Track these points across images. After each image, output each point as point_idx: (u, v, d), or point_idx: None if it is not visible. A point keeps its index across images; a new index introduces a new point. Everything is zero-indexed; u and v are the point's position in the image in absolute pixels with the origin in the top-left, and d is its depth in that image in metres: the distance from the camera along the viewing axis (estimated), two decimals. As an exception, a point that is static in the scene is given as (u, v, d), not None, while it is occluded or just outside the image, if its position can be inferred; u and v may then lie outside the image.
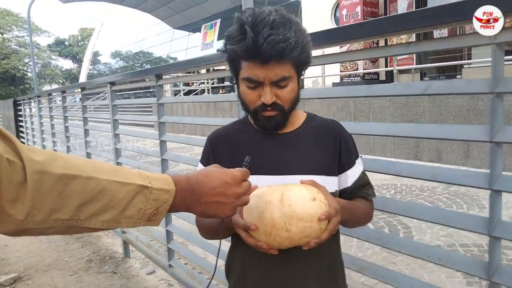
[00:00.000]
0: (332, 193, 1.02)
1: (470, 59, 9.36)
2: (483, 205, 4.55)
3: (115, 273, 3.32)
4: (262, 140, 1.07)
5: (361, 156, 1.18)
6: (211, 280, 0.87)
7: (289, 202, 0.80)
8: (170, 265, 2.72)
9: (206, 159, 1.13)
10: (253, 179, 1.01)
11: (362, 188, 1.11)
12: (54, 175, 0.58)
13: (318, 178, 1.01)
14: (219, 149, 1.11)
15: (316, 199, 0.82)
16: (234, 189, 0.80)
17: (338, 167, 1.08)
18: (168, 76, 2.77)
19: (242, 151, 1.04)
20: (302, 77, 1.04)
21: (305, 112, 1.14)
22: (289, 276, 1.02)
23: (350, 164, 1.09)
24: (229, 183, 0.79)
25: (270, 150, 1.05)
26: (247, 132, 1.10)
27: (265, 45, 0.87)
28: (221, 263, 1.18)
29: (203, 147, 1.17)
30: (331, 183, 1.05)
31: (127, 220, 0.67)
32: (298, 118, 1.11)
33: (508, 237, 1.07)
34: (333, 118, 1.16)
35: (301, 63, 0.98)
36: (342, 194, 1.10)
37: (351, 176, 1.09)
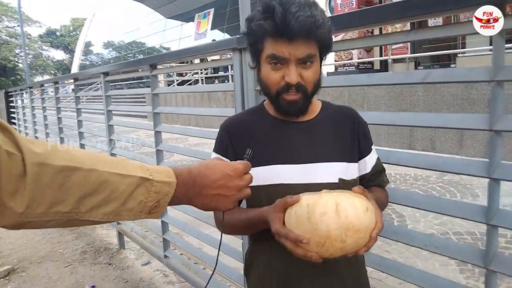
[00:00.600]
0: (354, 180, 1.03)
1: (464, 47, 9.36)
2: (476, 194, 4.59)
3: (110, 264, 3.31)
4: (283, 129, 1.04)
5: None
6: (212, 273, 0.86)
7: (346, 214, 0.78)
8: (165, 256, 2.72)
9: (223, 149, 1.08)
10: (277, 169, 1.00)
11: (378, 175, 1.12)
12: (55, 167, 0.56)
13: (342, 165, 1.02)
14: (237, 137, 1.07)
15: (368, 209, 0.81)
16: (235, 182, 0.79)
17: (358, 153, 1.07)
18: (162, 66, 2.73)
19: (263, 140, 1.03)
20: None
21: (319, 100, 1.12)
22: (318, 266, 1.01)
23: (368, 150, 1.09)
24: (230, 176, 0.78)
25: (292, 139, 1.03)
26: (264, 121, 1.07)
27: (293, 20, 0.87)
28: (220, 255, 1.17)
29: (216, 137, 1.12)
30: (353, 169, 1.05)
31: (127, 213, 0.66)
32: (315, 105, 1.09)
33: (506, 225, 1.07)
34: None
35: (325, 45, 0.96)
36: (361, 180, 1.09)
37: (369, 162, 1.09)
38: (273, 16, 0.88)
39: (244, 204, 1.17)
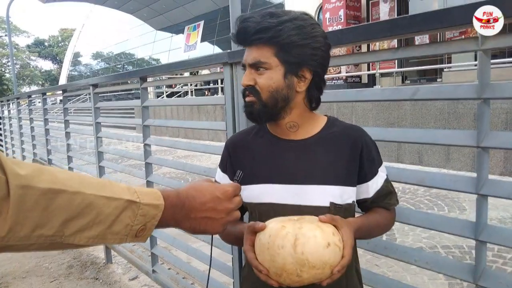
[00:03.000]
0: (348, 204, 0.99)
1: (450, 62, 9.55)
2: (463, 207, 4.63)
3: (97, 279, 3.25)
4: (279, 147, 1.02)
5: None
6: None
7: (302, 250, 0.78)
8: (153, 271, 2.68)
9: (224, 166, 1.13)
10: (269, 188, 1.00)
11: (384, 198, 1.05)
12: (39, 189, 0.55)
13: (336, 189, 0.97)
14: (235, 155, 1.09)
15: (330, 245, 0.79)
16: (225, 205, 0.78)
17: (359, 177, 1.01)
18: (152, 79, 2.73)
19: (259, 158, 1.04)
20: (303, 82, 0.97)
21: (326, 115, 1.08)
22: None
23: (373, 174, 1.03)
24: (220, 198, 0.77)
25: (287, 157, 1.01)
26: (263, 138, 1.07)
27: (238, 27, 0.94)
28: (209, 270, 1.16)
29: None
30: (350, 194, 1.00)
31: (113, 236, 0.64)
32: (318, 122, 1.04)
33: (494, 241, 1.08)
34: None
35: (286, 55, 0.93)
36: (362, 203, 1.06)
37: (372, 186, 1.03)
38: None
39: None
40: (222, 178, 1.12)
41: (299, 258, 0.78)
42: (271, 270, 0.81)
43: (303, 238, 0.79)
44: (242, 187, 1.00)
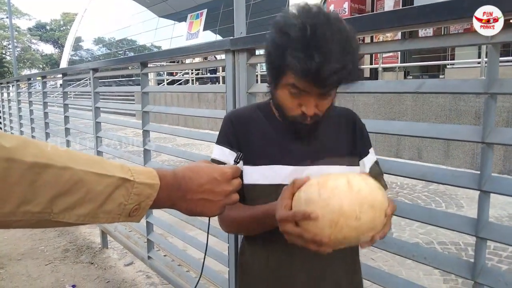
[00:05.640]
0: None
1: (453, 59, 9.50)
2: (460, 204, 4.63)
3: (92, 263, 3.26)
4: (287, 130, 1.01)
5: None
6: (199, 279, 0.84)
7: (359, 188, 0.72)
8: (149, 257, 2.68)
9: (229, 140, 1.05)
10: (278, 169, 0.99)
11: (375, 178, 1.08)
12: (25, 163, 0.52)
13: (342, 169, 1.01)
14: (241, 130, 1.04)
15: (381, 189, 0.76)
16: (223, 187, 0.75)
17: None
18: (153, 65, 2.70)
19: (266, 139, 1.02)
20: None
21: None
22: (315, 270, 1.00)
23: (366, 152, 1.08)
24: (218, 180, 0.75)
25: (295, 140, 1.01)
26: (270, 120, 1.05)
27: (329, 78, 0.82)
28: (202, 257, 1.15)
29: (221, 128, 1.09)
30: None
31: (105, 215, 0.61)
32: None
33: (494, 238, 1.07)
34: None
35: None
36: None
37: (367, 164, 1.07)
38: (309, 60, 0.81)
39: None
40: (229, 155, 1.03)
41: (357, 198, 0.72)
42: (325, 219, 0.72)
43: (355, 180, 0.74)
44: (248, 167, 1.01)
